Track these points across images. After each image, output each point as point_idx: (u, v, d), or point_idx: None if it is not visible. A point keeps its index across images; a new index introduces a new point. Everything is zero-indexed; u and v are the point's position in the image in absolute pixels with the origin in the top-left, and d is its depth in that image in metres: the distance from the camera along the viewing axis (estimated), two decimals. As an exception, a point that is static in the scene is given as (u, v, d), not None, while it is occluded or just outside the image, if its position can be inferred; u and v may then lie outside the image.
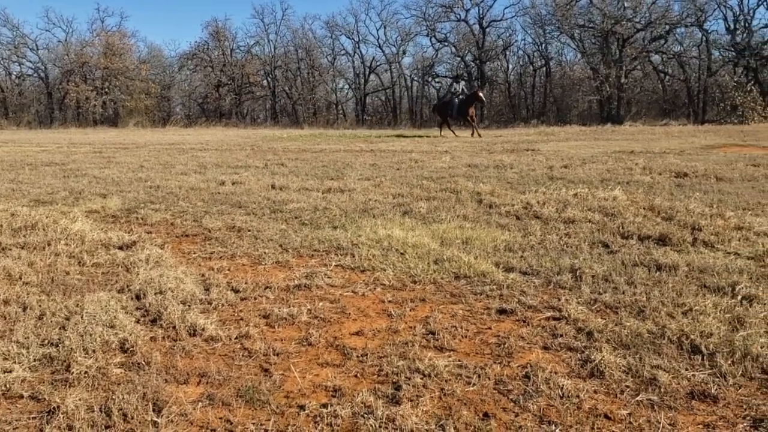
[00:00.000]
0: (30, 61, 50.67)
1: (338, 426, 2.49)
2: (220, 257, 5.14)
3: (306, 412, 2.59)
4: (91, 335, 3.32)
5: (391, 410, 2.56)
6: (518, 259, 4.78)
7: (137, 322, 3.62)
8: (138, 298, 4.02)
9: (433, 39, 45.00)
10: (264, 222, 6.47)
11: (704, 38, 35.96)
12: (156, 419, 2.51)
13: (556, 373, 2.88)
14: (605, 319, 3.52)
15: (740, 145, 15.81)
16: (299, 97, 47.08)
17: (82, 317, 3.58)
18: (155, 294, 4.01)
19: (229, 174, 10.90)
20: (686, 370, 2.88)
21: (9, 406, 2.67)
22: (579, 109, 41.33)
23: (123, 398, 2.63)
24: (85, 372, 2.93)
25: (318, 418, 2.54)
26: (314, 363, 3.07)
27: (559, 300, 3.84)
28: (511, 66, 45.27)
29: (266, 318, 3.69)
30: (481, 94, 22.35)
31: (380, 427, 2.46)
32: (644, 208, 6.53)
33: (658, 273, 4.32)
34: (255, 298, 4.06)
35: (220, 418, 2.55)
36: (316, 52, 47.57)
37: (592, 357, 3.00)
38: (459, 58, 43.97)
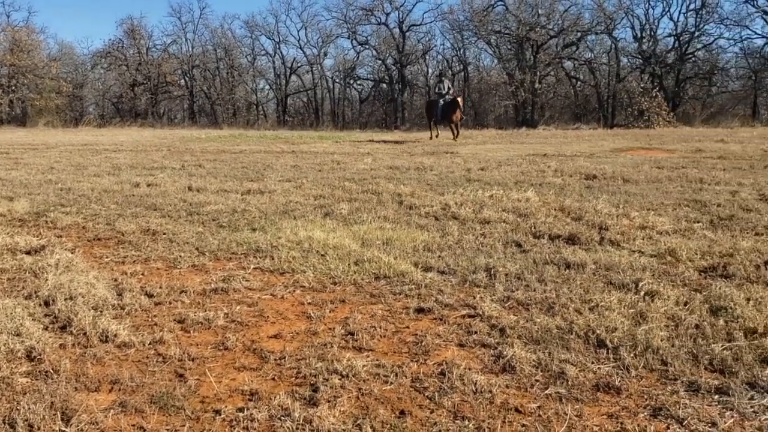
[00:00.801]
0: None
1: (255, 429, 2.48)
2: (134, 261, 5.00)
3: (222, 416, 2.56)
4: (-6, 344, 3.17)
5: (309, 412, 2.57)
6: (436, 258, 4.87)
7: (46, 329, 3.49)
8: (47, 304, 3.87)
9: (354, 42, 45.12)
10: (180, 225, 6.34)
11: (613, 45, 37.57)
12: (64, 428, 2.44)
13: (470, 369, 2.96)
14: (517, 315, 3.65)
15: (646, 148, 16.60)
16: (218, 97, 46.20)
17: (-16, 326, 3.41)
18: (65, 300, 3.87)
19: (144, 175, 10.60)
20: (592, 363, 3.02)
21: None
22: (496, 113, 42.33)
23: (29, 408, 2.54)
24: (-12, 383, 2.80)
25: (234, 422, 2.52)
26: (231, 367, 3.04)
27: (475, 298, 3.95)
28: (430, 70, 45.87)
29: (181, 323, 3.63)
30: (459, 99, 21.22)
31: (297, 429, 2.47)
32: (555, 209, 6.78)
33: (567, 271, 4.50)
34: (170, 303, 3.98)
35: (133, 425, 2.50)
36: (235, 51, 46.78)
37: (505, 353, 3.10)
38: (380, 62, 44.26)
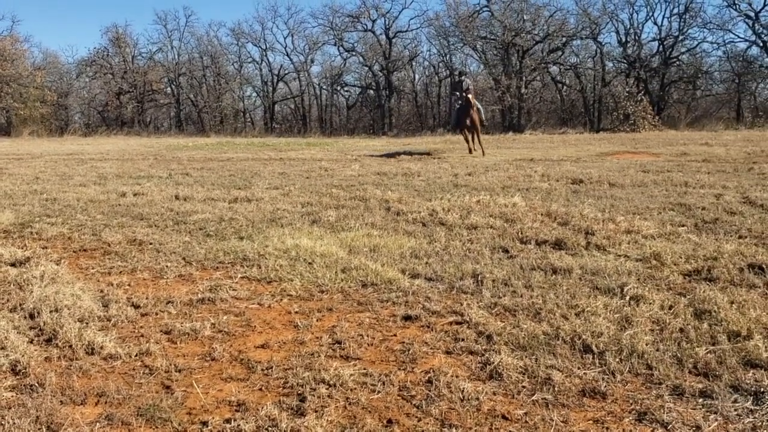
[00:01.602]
0: None
1: (242, 440, 2.48)
2: (120, 272, 4.98)
3: (209, 428, 2.56)
4: (-22, 359, 3.15)
5: (296, 422, 2.57)
6: (423, 265, 4.88)
7: (31, 342, 3.46)
8: (32, 316, 3.85)
9: (340, 48, 45.19)
10: (167, 234, 6.32)
11: (598, 50, 37.81)
12: (49, 443, 2.42)
13: (457, 377, 2.97)
14: (504, 322, 3.66)
15: (632, 152, 16.71)
16: (205, 104, 46.08)
17: (-31, 340, 3.39)
18: (50, 312, 3.85)
19: (130, 185, 10.55)
20: (578, 369, 3.04)
21: None
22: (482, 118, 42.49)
23: (14, 423, 2.52)
24: (-28, 398, 2.78)
25: (222, 434, 2.52)
26: (218, 378, 3.04)
27: (462, 305, 3.96)
28: (417, 76, 46.02)
29: (168, 334, 3.61)
30: (471, 96, 16.59)
31: (285, 439, 2.47)
32: (542, 214, 6.81)
33: (553, 276, 4.53)
34: (156, 314, 3.96)
35: (119, 439, 2.49)
36: (221, 59, 46.69)
37: (492, 359, 3.11)
38: (367, 68, 44.35)
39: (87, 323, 3.71)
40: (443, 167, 12.80)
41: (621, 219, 6.38)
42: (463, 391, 2.82)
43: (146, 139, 34.44)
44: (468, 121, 16.33)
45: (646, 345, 3.24)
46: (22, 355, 3.22)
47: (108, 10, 77.04)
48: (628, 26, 37.37)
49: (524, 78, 37.65)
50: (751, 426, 2.53)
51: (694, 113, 36.06)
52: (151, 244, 5.87)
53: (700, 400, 2.73)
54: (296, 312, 3.96)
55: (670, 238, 5.68)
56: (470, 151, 16.40)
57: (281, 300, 4.20)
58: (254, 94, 49.10)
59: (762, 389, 2.78)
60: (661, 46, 36.86)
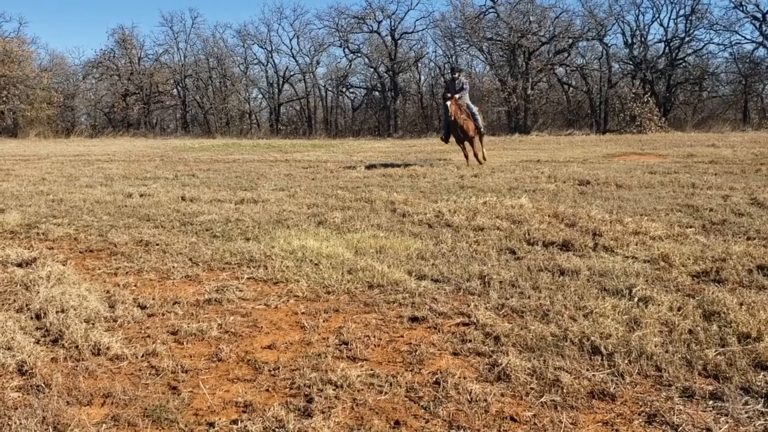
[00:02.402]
0: None
1: (249, 441, 2.47)
2: (127, 273, 4.98)
3: (216, 429, 2.55)
4: (-15, 359, 3.15)
5: (303, 423, 2.56)
6: (430, 266, 4.86)
7: (37, 342, 3.46)
8: (38, 317, 3.84)
9: (346, 50, 45.23)
10: (173, 235, 6.32)
11: (605, 51, 37.74)
12: (56, 444, 2.41)
13: (465, 378, 2.95)
14: (512, 323, 3.64)
15: (639, 153, 16.67)
16: (211, 106, 46.18)
17: (-25, 340, 3.38)
18: (57, 313, 3.84)
19: (137, 186, 10.58)
20: (587, 370, 3.02)
21: None
22: (488, 119, 42.43)
23: (20, 423, 2.51)
24: (-22, 398, 2.78)
25: (228, 435, 2.50)
26: (224, 379, 3.03)
27: (469, 306, 3.94)
28: (423, 77, 46.01)
29: (174, 334, 3.61)
30: (452, 102, 13.16)
31: (292, 440, 2.46)
32: (549, 216, 6.78)
33: (561, 277, 4.50)
34: (163, 315, 3.96)
35: (126, 440, 2.48)
36: (227, 61, 46.80)
37: (500, 361, 3.09)
38: (372, 69, 44.38)
39: (93, 324, 3.71)
40: (449, 169, 12.78)
41: (629, 220, 6.35)
42: (470, 392, 2.80)
43: (152, 141, 34.54)
44: (460, 133, 13.42)
45: (655, 346, 3.22)
46: (29, 356, 3.21)
47: (114, 12, 77.42)
48: (635, 28, 37.30)
49: (530, 79, 37.62)
50: (763, 428, 2.51)
51: (700, 115, 35.97)
52: (157, 245, 5.87)
53: (711, 402, 2.70)
54: (303, 313, 3.95)
55: (678, 239, 5.65)
56: (467, 159, 13.56)
57: (288, 301, 4.19)
58: (260, 96, 49.20)
59: (773, 391, 2.75)
60: (667, 48, 36.78)
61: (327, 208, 7.78)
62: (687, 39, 36.27)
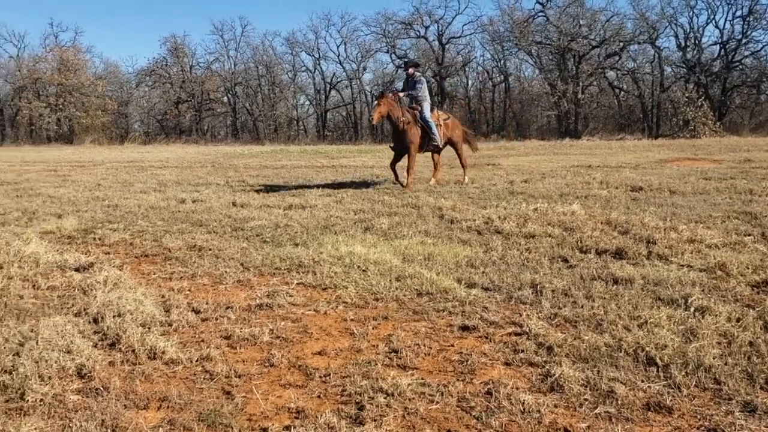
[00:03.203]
0: (-21, 78, 49.55)
1: (301, 448, 2.48)
2: (181, 277, 5.08)
3: (269, 434, 2.57)
4: (46, 361, 3.24)
5: (355, 431, 2.56)
6: (480, 274, 4.83)
7: (95, 346, 3.55)
8: (96, 321, 3.94)
9: (393, 55, 45.39)
10: (225, 240, 6.42)
11: (657, 55, 37.00)
12: (115, 446, 2.47)
13: (517, 388, 2.92)
14: (565, 333, 3.58)
15: (692, 158, 16.26)
16: (260, 113, 46.90)
17: (37, 342, 3.49)
18: (113, 317, 3.94)
19: (189, 192, 10.80)
20: (642, 382, 2.95)
21: (-39, 437, 2.59)
22: (538, 123, 42.02)
23: (81, 426, 2.58)
24: (41, 399, 2.86)
25: (281, 441, 2.53)
26: (277, 384, 3.05)
27: (521, 315, 3.89)
28: (470, 82, 45.89)
29: (228, 339, 3.66)
30: (396, 105, 10.74)
31: (344, 447, 2.46)
32: (602, 223, 6.66)
33: (615, 286, 4.41)
34: (216, 319, 4.02)
35: (182, 443, 2.52)
36: (276, 68, 47.52)
37: (553, 371, 3.04)
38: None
39: (149, 328, 3.79)
40: (498, 174, 12.68)
41: (683, 228, 6.19)
42: (523, 403, 2.76)
43: (204, 147, 35.23)
44: (397, 143, 11.00)
45: (714, 358, 3.12)
46: (87, 359, 3.30)
47: (167, 21, 79.44)
48: (688, 30, 36.45)
49: (580, 83, 37.09)
50: (831, 447, 2.41)
51: (758, 118, 34.88)
52: (210, 250, 5.98)
53: (774, 418, 2.61)
54: (352, 319, 3.97)
55: (736, 247, 5.48)
56: (395, 177, 11.08)
57: (337, 307, 4.21)
58: (307, 103, 49.76)
59: (841, 408, 2.64)
60: (722, 50, 35.82)
61: (374, 213, 7.80)
62: (744, 41, 35.26)
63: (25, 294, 4.60)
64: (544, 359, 3.23)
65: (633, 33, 37.12)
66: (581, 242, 5.79)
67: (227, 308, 4.20)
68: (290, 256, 5.56)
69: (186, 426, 2.63)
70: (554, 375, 3.01)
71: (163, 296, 4.49)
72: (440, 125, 11.40)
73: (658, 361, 3.14)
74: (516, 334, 3.63)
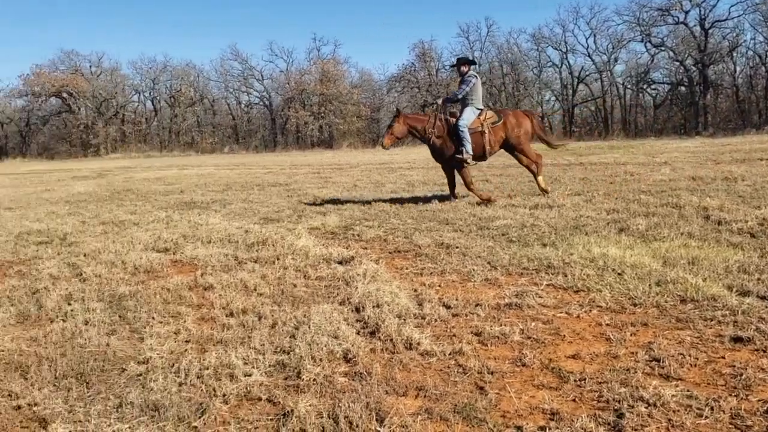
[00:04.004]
0: (256, 91, 56.31)
1: (557, 451, 2.43)
2: (431, 273, 5.26)
3: (523, 433, 2.56)
4: (317, 344, 3.57)
5: (614, 439, 2.45)
6: (755, 282, 4.32)
7: (358, 333, 3.82)
8: (357, 310, 4.25)
9: (648, 44, 42.60)
10: (471, 239, 6.52)
11: None
12: (379, 429, 2.63)
13: (806, 412, 2.56)
14: None
15: None
16: (504, 112, 46.96)
17: (309, 327, 3.86)
18: (373, 307, 4.21)
19: (435, 191, 11.16)
20: None
21: (250, 407, 2.95)
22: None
23: (348, 406, 2.80)
24: (314, 379, 3.16)
25: (536, 441, 2.50)
26: (529, 384, 3.03)
27: (807, 329, 3.41)
28: (738, 68, 41.38)
29: (478, 335, 3.71)
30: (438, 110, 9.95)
31: (602, 456, 2.36)
32: None
33: None
34: (466, 315, 4.09)
35: (438, 433, 2.61)
36: (521, 65, 47.21)
37: None
38: (678, 63, 41.15)
39: (404, 320, 3.99)
40: (772, 170, 11.27)
41: None
42: (815, 429, 2.42)
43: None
44: (437, 155, 9.96)
45: None
46: (352, 345, 3.57)
47: (416, 28, 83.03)
48: None
49: None
50: None
51: None
52: (457, 247, 6.12)
53: None
54: (607, 324, 3.79)
55: None
56: (452, 195, 10.06)
57: (590, 311, 4.05)
58: (552, 98, 48.72)
59: None
60: None
61: (629, 213, 7.37)
62: None
63: (298, 283, 5.11)
64: (841, 382, 2.80)
65: None
66: None
67: (476, 305, 4.25)
68: (538, 257, 5.47)
69: (442, 416, 2.72)
70: None
71: (415, 290, 4.69)
72: (483, 132, 9.66)
73: None
74: (803, 351, 3.19)
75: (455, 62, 10.10)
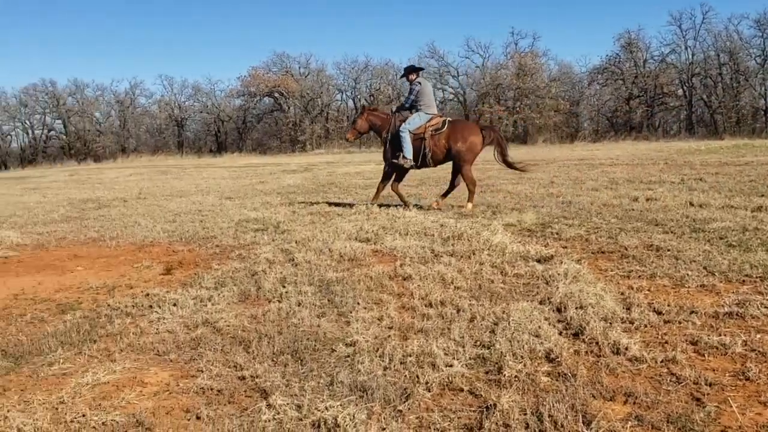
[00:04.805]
0: (451, 87, 56.77)
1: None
2: (639, 276, 4.99)
3: (750, 453, 2.36)
4: (518, 342, 3.55)
5: None
6: None
7: (560, 334, 3.74)
8: (559, 310, 4.16)
9: None
10: (684, 242, 6.08)
11: None
12: (586, 431, 2.57)
13: None
14: None
15: None
16: (719, 105, 43.09)
17: (508, 324, 3.85)
18: (575, 308, 4.10)
19: (642, 190, 10.56)
20: None
21: (452, 397, 3.02)
22: None
23: (552, 406, 2.75)
24: (516, 376, 3.15)
25: (763, 464, 2.29)
26: (754, 400, 2.78)
27: None
28: None
29: (694, 344, 3.47)
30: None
31: None
32: None
33: None
34: (679, 322, 3.84)
35: (650, 443, 2.49)
36: (741, 54, 42.98)
37: None
38: None
39: (611, 323, 3.83)
40: None
41: None
42: None
43: (655, 144, 34.00)
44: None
45: None
46: (554, 345, 3.50)
47: (621, 18, 79.05)
48: None
49: None
50: None
51: None
52: (668, 250, 5.74)
53: None
54: None
55: None
56: (405, 204, 9.73)
57: (828, 325, 3.61)
58: (779, 90, 43.99)
59: None
60: None
61: None
62: None
63: (495, 279, 5.11)
64: None
65: None
66: None
67: (691, 313, 3.97)
68: (764, 263, 4.98)
69: (654, 425, 2.59)
70: None
71: (622, 293, 4.49)
72: (424, 138, 9.43)
73: None
74: None
75: (404, 71, 10.10)
